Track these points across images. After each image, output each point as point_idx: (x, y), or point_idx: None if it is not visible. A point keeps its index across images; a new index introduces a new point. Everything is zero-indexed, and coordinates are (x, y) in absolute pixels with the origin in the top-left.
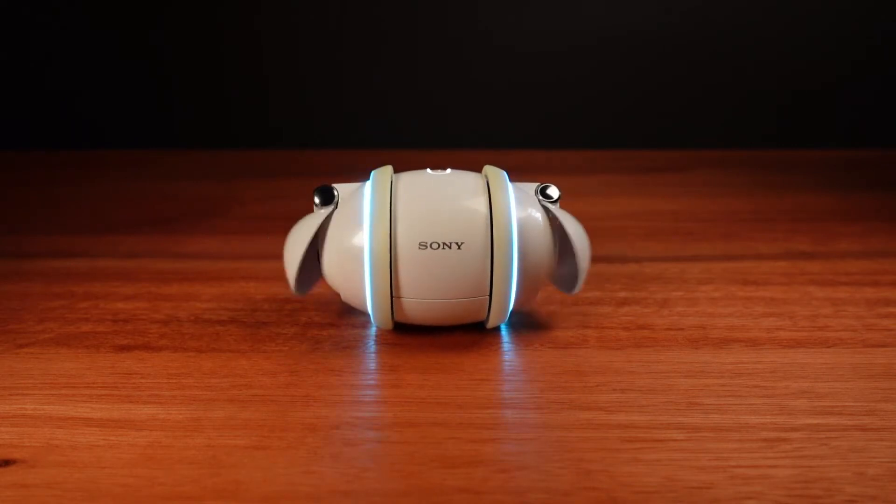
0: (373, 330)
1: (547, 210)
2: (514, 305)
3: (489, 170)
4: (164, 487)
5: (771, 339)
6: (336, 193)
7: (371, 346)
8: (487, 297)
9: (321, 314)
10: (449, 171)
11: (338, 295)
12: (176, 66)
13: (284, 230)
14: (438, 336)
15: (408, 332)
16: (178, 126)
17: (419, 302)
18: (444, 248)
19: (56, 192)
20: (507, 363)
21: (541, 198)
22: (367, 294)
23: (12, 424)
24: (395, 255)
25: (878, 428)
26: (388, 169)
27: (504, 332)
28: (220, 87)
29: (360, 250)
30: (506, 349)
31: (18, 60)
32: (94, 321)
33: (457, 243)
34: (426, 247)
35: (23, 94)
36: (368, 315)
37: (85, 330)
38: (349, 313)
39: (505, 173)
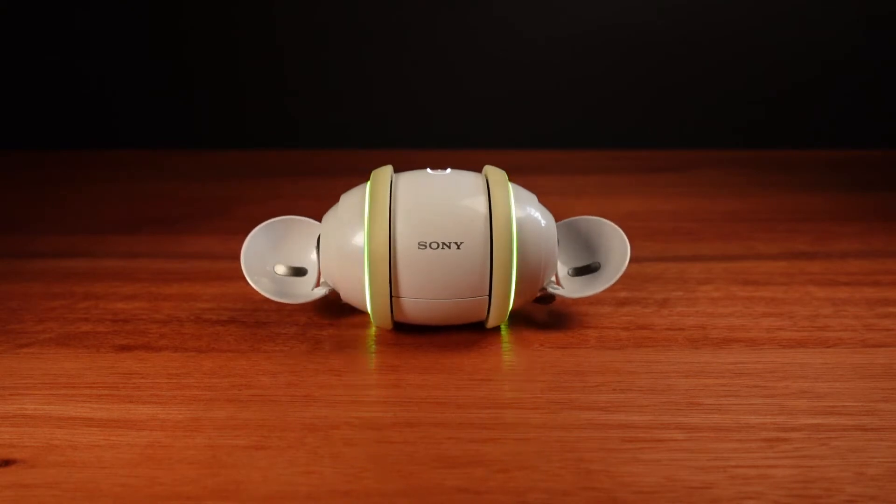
0: (373, 330)
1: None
2: (514, 305)
3: (489, 170)
4: (164, 487)
5: (771, 339)
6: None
7: (371, 346)
8: (487, 297)
9: (321, 314)
10: (449, 170)
11: (338, 294)
12: (177, 67)
13: None
14: (438, 336)
15: (408, 332)
16: (178, 126)
17: (419, 301)
18: (443, 248)
19: (56, 192)
20: (507, 363)
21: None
22: (366, 294)
23: (12, 424)
24: (395, 254)
25: (878, 428)
26: (388, 169)
27: (504, 332)
28: (222, 89)
29: (360, 250)
30: (506, 349)
31: (18, 61)
32: (94, 321)
33: (456, 243)
34: (426, 246)
35: (22, 95)
36: (368, 315)
37: (85, 330)
38: (349, 313)
39: (505, 173)
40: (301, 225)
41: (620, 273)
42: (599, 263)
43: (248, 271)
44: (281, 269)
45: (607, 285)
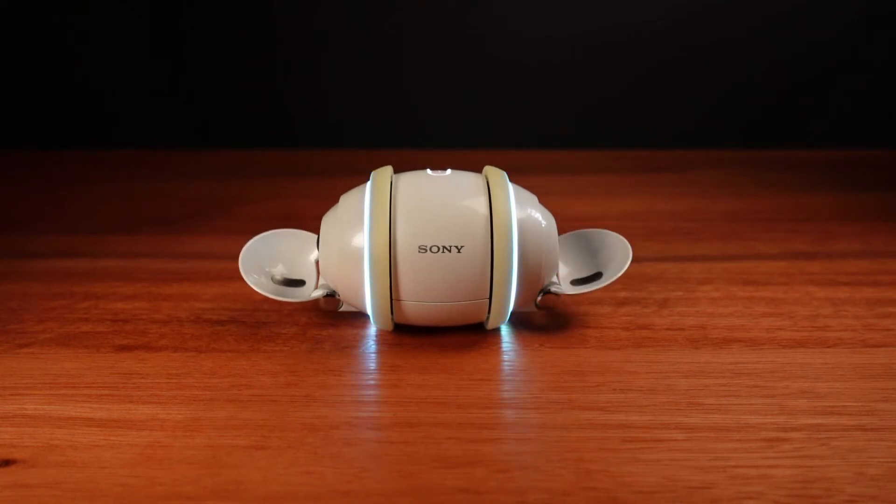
0: (373, 330)
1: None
2: (514, 306)
3: (489, 170)
4: (164, 487)
5: (771, 339)
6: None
7: (371, 346)
8: (487, 300)
9: (321, 314)
10: (449, 171)
11: (336, 303)
12: (176, 67)
13: None
14: (438, 336)
15: (408, 333)
16: (178, 126)
17: (419, 305)
18: (443, 252)
19: (57, 192)
20: (507, 363)
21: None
22: (366, 297)
23: (12, 424)
24: (395, 258)
25: (878, 428)
26: (388, 169)
27: (504, 332)
28: (222, 89)
29: (360, 252)
30: (506, 349)
31: (18, 60)
32: (94, 321)
33: (457, 247)
34: (426, 250)
35: (22, 95)
36: (368, 316)
37: (85, 330)
38: (349, 313)
39: (505, 174)
40: (296, 238)
41: (621, 272)
42: (601, 273)
43: (246, 271)
44: (278, 279)
45: (607, 282)
